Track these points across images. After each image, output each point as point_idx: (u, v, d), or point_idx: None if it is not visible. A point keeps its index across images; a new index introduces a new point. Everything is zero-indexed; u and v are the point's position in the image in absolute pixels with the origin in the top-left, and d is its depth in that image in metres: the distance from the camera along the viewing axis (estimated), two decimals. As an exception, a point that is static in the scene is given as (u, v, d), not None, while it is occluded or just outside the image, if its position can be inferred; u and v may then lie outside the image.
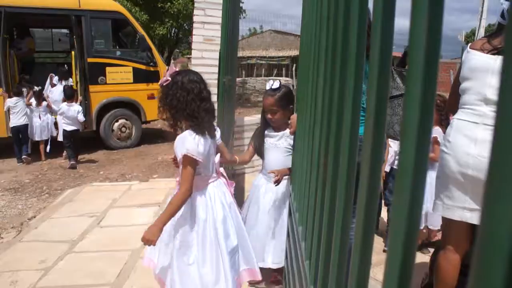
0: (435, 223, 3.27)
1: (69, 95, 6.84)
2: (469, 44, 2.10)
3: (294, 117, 2.39)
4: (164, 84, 2.08)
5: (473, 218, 1.95)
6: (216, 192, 2.19)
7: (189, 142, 1.99)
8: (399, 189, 0.50)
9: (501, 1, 2.04)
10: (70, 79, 8.33)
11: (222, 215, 2.14)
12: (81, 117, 6.76)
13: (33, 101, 7.23)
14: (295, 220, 1.85)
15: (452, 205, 2.02)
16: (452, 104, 2.25)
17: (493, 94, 1.91)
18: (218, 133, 2.32)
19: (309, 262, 1.34)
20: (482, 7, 12.83)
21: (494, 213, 0.29)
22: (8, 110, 7.00)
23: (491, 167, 0.30)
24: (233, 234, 2.18)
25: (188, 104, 2.02)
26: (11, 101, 6.98)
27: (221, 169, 2.37)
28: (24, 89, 7.28)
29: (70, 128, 6.75)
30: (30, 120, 7.13)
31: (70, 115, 6.71)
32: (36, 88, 7.43)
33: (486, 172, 0.30)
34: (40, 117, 7.28)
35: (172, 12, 16.68)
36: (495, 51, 1.93)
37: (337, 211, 0.90)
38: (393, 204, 0.52)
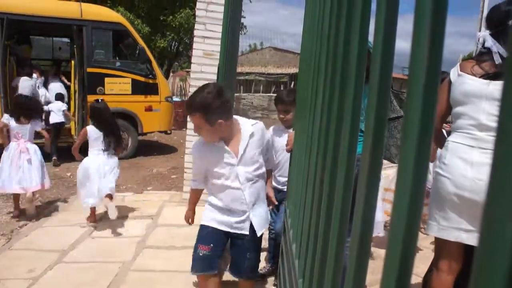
0: None
1: (59, 98, 7.90)
2: (457, 66, 2.11)
3: (291, 134, 2.40)
4: None
5: (469, 239, 1.98)
6: None
7: None
8: (396, 212, 0.50)
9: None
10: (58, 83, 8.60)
11: None
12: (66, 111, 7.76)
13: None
14: (290, 237, 1.84)
15: (447, 226, 2.03)
16: (438, 129, 2.27)
17: (487, 120, 1.93)
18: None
19: (302, 281, 1.33)
20: (479, 31, 13.01)
21: (492, 234, 0.29)
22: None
23: (490, 190, 0.30)
24: None
25: None
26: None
27: None
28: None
29: (57, 120, 7.56)
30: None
31: (56, 108, 7.66)
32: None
33: (485, 195, 0.31)
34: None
35: (173, 26, 16.79)
36: (486, 76, 1.95)
37: (332, 229, 0.90)
38: (391, 229, 0.52)
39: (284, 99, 2.99)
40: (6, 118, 4.53)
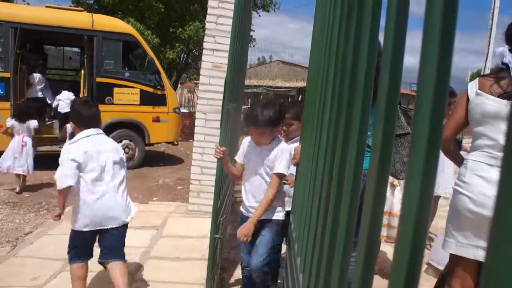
0: (444, 261, 3.14)
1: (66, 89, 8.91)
2: (475, 83, 2.09)
3: (298, 147, 2.40)
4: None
5: None
6: None
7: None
8: (403, 226, 0.50)
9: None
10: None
11: None
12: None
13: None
14: (294, 251, 1.83)
15: (466, 244, 2.03)
16: (450, 140, 2.26)
17: None
18: None
19: (306, 295, 1.32)
20: (488, 49, 13.02)
21: (499, 251, 0.29)
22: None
23: (497, 207, 0.30)
24: None
25: None
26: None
27: None
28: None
29: (65, 109, 8.05)
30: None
31: (64, 97, 8.43)
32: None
33: (492, 211, 0.31)
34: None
35: (183, 38, 16.93)
36: (505, 95, 1.95)
37: (337, 244, 0.90)
38: (397, 244, 0.51)
39: (258, 120, 2.59)
40: (9, 120, 6.27)
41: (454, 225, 2.09)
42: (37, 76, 8.59)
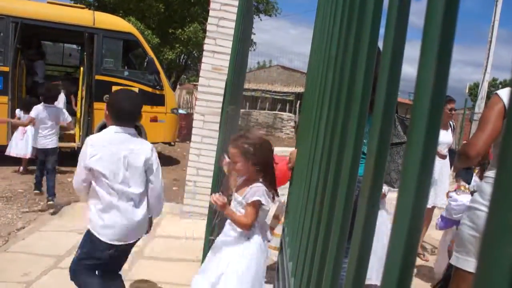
0: None
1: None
2: (508, 91, 1.99)
3: (293, 152, 2.40)
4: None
5: None
6: None
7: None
8: (395, 232, 0.50)
9: None
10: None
11: None
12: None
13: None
14: (287, 255, 1.84)
15: None
16: (480, 155, 2.12)
17: None
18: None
19: (297, 300, 1.32)
20: (487, 61, 13.11)
21: (491, 258, 0.30)
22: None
23: (490, 215, 0.31)
24: None
25: None
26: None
27: None
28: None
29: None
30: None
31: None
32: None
33: (485, 219, 0.31)
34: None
35: (182, 39, 16.95)
36: None
37: (330, 249, 0.90)
38: (388, 251, 0.52)
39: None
40: (18, 112, 7.01)
41: (474, 244, 2.05)
42: (40, 63, 8.85)
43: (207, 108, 5.06)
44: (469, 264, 2.09)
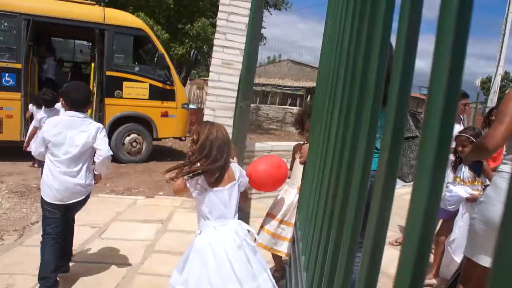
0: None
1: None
2: None
3: (305, 147, 2.40)
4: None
5: None
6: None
7: None
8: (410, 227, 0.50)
9: None
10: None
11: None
12: None
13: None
14: (299, 249, 1.84)
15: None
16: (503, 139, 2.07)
17: None
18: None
19: (309, 294, 1.33)
20: (500, 55, 12.93)
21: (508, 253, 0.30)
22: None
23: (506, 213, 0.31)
24: None
25: None
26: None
27: None
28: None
29: None
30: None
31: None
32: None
33: (502, 214, 0.31)
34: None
35: (191, 34, 16.94)
36: None
37: (342, 243, 0.90)
38: (403, 246, 0.52)
39: None
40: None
41: (489, 239, 2.06)
42: (50, 59, 9.02)
43: (217, 103, 5.07)
44: (479, 257, 2.11)
